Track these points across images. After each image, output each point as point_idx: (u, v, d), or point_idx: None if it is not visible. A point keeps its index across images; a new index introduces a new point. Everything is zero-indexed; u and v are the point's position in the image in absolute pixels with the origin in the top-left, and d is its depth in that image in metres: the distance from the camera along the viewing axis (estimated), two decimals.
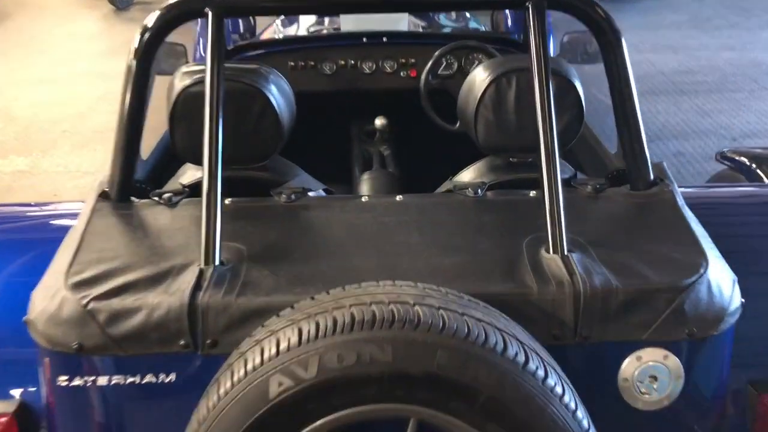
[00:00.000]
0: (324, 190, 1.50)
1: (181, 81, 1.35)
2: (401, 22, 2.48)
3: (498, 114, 1.38)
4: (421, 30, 2.68)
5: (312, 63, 2.25)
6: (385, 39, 2.29)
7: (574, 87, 1.38)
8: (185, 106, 1.33)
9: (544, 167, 1.16)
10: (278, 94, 1.38)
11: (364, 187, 1.98)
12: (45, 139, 4.06)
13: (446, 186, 1.47)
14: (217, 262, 1.09)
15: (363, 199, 1.32)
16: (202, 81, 1.24)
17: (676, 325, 1.03)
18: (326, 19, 2.69)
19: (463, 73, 2.19)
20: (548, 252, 1.11)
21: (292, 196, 1.31)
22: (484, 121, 1.39)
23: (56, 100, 4.56)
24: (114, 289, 1.04)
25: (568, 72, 1.39)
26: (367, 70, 2.26)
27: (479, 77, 1.41)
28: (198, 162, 1.27)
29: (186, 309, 1.01)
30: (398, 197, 1.32)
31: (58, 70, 5.09)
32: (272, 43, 2.39)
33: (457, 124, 2.08)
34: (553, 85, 1.21)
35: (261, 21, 2.95)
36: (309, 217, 1.27)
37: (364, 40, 2.28)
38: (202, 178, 1.19)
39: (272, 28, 2.87)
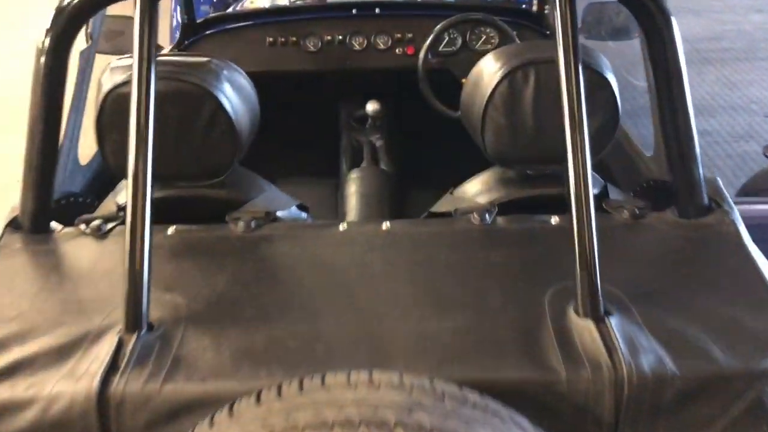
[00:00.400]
0: (298, 206, 1.23)
1: (110, 78, 1.07)
2: None
3: (512, 117, 1.10)
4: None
5: (293, 39, 1.97)
6: (377, 10, 2.01)
7: (608, 82, 1.09)
8: (114, 110, 1.06)
9: (572, 191, 0.88)
10: (234, 94, 1.09)
11: (352, 186, 1.70)
12: (10, 118, 3.75)
13: (445, 203, 1.20)
14: (144, 327, 0.83)
15: (341, 228, 1.05)
16: None
17: (752, 422, 0.76)
18: None
19: (468, 50, 1.92)
20: (578, 313, 0.84)
21: (252, 223, 1.05)
22: (493, 125, 1.11)
23: (27, 77, 4.22)
24: (2, 371, 0.79)
25: (600, 63, 1.10)
26: (357, 47, 1.99)
27: (488, 70, 1.12)
28: None
29: (95, 401, 0.75)
30: (385, 225, 1.05)
31: (29, 44, 4.74)
32: (246, 15, 2.09)
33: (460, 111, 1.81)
34: (583, 81, 0.93)
35: None
36: (271, 253, 1.01)
37: (354, 11, 2.00)
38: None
39: None
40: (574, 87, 0.91)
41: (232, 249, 1.01)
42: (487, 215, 1.05)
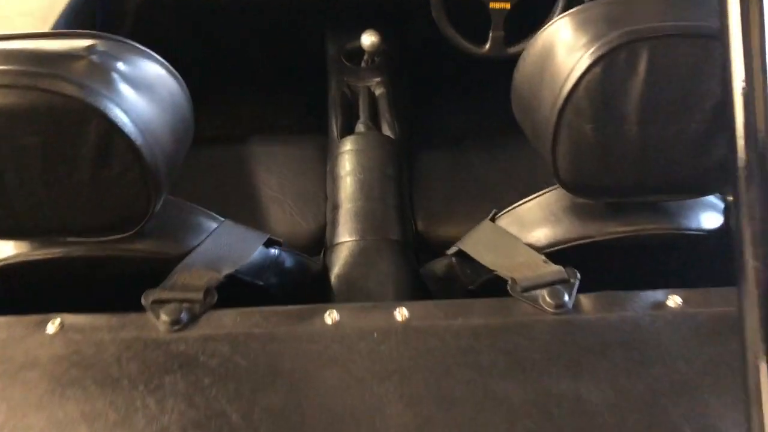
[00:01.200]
0: (269, 242, 0.83)
1: None
2: None
3: (607, 126, 0.66)
4: None
5: None
6: None
7: None
8: None
9: (749, 267, 0.47)
10: (140, 101, 0.66)
11: (346, 164, 1.27)
12: None
13: (484, 243, 0.80)
14: None
15: (329, 321, 0.65)
16: None
17: None
18: None
19: None
20: None
21: (183, 315, 0.65)
22: (574, 137, 0.68)
23: None
24: None
25: None
26: None
27: (564, 47, 0.67)
28: None
29: None
30: (399, 314, 0.65)
31: None
32: None
33: (487, 45, 1.35)
34: None
35: None
36: (209, 380, 0.61)
37: None
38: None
39: None
40: (758, 80, 0.48)
41: (146, 369, 0.61)
42: (566, 296, 0.65)
